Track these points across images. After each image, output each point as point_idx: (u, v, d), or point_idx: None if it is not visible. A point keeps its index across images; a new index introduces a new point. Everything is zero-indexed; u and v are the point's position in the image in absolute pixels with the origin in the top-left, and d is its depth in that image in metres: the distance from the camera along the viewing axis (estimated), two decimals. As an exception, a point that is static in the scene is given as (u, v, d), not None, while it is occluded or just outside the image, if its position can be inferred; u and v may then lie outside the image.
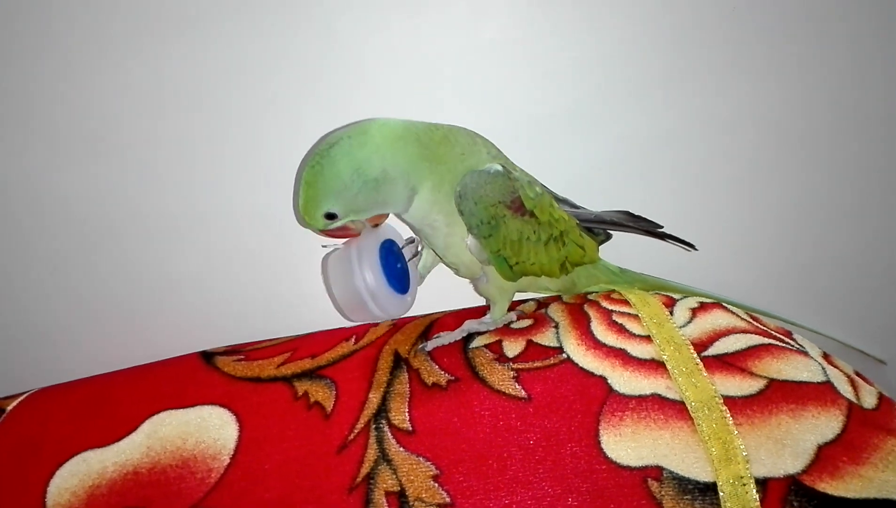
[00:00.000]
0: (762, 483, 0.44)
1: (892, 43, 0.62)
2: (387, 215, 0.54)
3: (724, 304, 0.56)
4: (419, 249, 0.60)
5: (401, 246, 0.59)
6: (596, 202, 0.60)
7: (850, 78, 0.62)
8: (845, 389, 0.49)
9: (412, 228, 0.57)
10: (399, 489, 0.47)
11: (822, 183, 0.66)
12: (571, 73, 0.61)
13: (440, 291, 0.62)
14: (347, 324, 0.60)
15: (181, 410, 0.54)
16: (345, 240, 0.55)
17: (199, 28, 0.58)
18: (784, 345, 0.51)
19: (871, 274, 0.70)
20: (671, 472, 0.45)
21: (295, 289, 0.65)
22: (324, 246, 0.58)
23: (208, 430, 0.52)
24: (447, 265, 0.58)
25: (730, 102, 0.62)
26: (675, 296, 0.57)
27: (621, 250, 0.62)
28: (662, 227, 0.58)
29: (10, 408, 0.60)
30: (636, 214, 0.58)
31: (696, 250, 0.59)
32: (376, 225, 0.55)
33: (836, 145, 0.64)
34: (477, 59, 0.60)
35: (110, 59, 0.59)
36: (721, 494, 0.44)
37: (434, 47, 0.60)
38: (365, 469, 0.48)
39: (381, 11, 0.58)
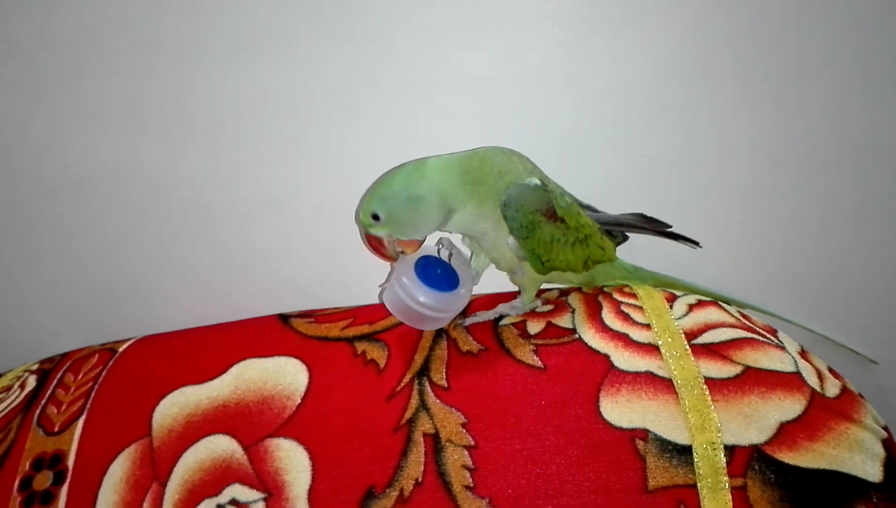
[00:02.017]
0: (730, 449, 0.52)
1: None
2: (420, 243, 0.61)
3: (720, 302, 0.64)
4: (451, 249, 0.66)
5: (436, 253, 0.65)
6: (618, 209, 0.68)
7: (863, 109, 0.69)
8: (812, 380, 0.56)
9: (463, 234, 0.65)
10: (434, 432, 0.56)
11: (822, 197, 0.72)
12: (601, 96, 0.69)
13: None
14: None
15: (262, 359, 0.64)
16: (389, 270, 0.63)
17: (286, 47, 0.68)
18: (765, 340, 0.59)
19: (865, 280, 0.75)
20: (655, 435, 0.53)
21: (357, 268, 0.72)
22: (380, 286, 0.66)
23: (284, 376, 0.63)
24: (491, 260, 0.66)
25: (738, 126, 0.69)
26: (679, 293, 0.65)
27: (638, 250, 0.70)
28: (671, 227, 0.66)
29: (121, 349, 0.71)
30: (648, 215, 0.66)
31: (700, 246, 0.66)
32: (403, 252, 0.61)
33: (835, 164, 0.71)
34: (520, 82, 0.69)
35: (217, 70, 0.69)
36: (695, 455, 0.52)
37: (483, 70, 0.68)
38: (408, 415, 0.58)
39: (439, 37, 0.68)
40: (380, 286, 0.66)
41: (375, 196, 0.58)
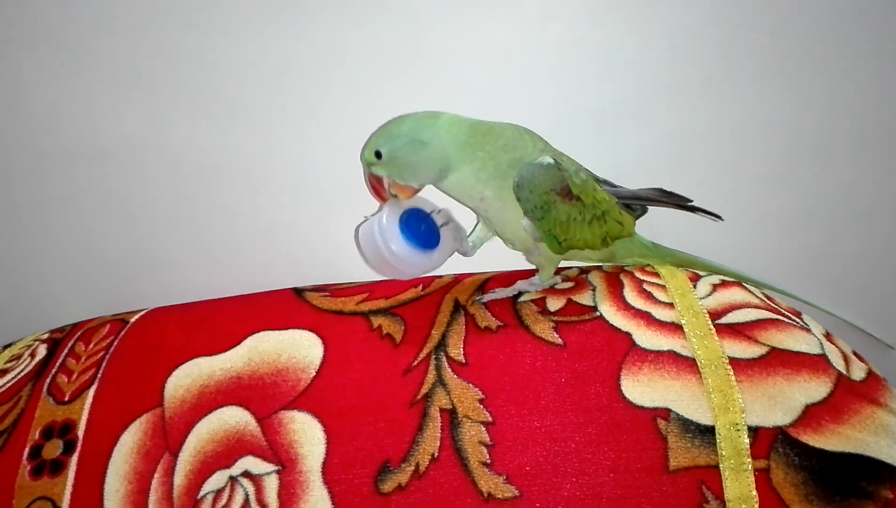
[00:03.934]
0: (754, 431, 0.51)
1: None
2: (414, 191, 0.60)
3: (743, 283, 0.63)
4: (448, 220, 0.65)
5: (432, 212, 0.64)
6: (639, 185, 0.66)
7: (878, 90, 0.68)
8: (838, 362, 0.55)
9: (463, 203, 0.63)
10: (451, 407, 0.56)
11: (844, 180, 0.71)
12: (624, 71, 0.68)
13: (495, 255, 0.69)
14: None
15: (277, 331, 0.64)
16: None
17: (306, 17, 0.68)
18: (790, 322, 0.58)
19: (884, 264, 0.75)
20: (677, 414, 0.52)
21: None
22: (365, 217, 0.64)
23: (299, 349, 0.62)
24: (505, 242, 0.65)
25: (763, 105, 0.68)
26: (701, 273, 0.64)
27: (658, 231, 0.69)
28: (692, 201, 0.64)
29: (133, 320, 0.70)
30: (668, 190, 0.65)
31: (722, 219, 0.65)
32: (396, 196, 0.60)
33: (861, 148, 0.70)
34: (542, 56, 0.68)
35: (236, 39, 0.69)
36: (718, 436, 0.51)
37: (505, 42, 0.68)
38: (424, 390, 0.57)
39: (459, 7, 0.67)
40: (364, 217, 0.64)
41: (383, 134, 0.59)
